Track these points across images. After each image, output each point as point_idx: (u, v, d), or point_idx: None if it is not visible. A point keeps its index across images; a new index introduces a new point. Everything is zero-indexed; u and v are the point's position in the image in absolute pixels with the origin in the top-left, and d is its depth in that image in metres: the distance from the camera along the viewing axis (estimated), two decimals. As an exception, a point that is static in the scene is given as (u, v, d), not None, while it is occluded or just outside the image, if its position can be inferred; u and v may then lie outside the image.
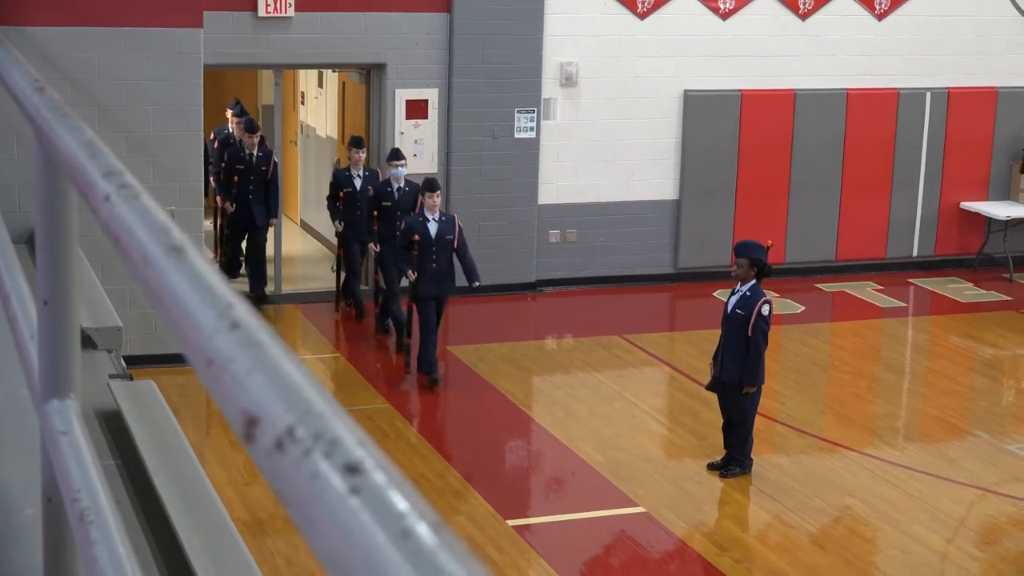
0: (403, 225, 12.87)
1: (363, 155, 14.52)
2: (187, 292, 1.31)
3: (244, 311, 1.22)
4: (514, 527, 9.80)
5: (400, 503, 0.87)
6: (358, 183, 14.38)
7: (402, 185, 13.91)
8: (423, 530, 0.84)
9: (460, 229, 12.75)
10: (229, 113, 16.56)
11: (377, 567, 0.82)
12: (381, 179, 14.28)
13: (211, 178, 15.95)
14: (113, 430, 5.65)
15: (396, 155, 14.07)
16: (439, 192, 12.72)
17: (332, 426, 0.96)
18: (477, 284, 12.85)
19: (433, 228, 12.64)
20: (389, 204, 13.87)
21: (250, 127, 15.41)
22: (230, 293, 1.27)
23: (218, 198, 15.84)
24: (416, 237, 12.58)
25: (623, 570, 9.54)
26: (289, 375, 1.06)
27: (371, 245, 14.04)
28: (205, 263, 1.38)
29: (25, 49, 11.17)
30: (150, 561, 4.41)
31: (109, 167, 1.85)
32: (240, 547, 4.41)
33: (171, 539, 4.48)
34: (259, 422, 1.00)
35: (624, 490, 10.46)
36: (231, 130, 16.38)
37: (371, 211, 13.95)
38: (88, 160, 1.92)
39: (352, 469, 0.90)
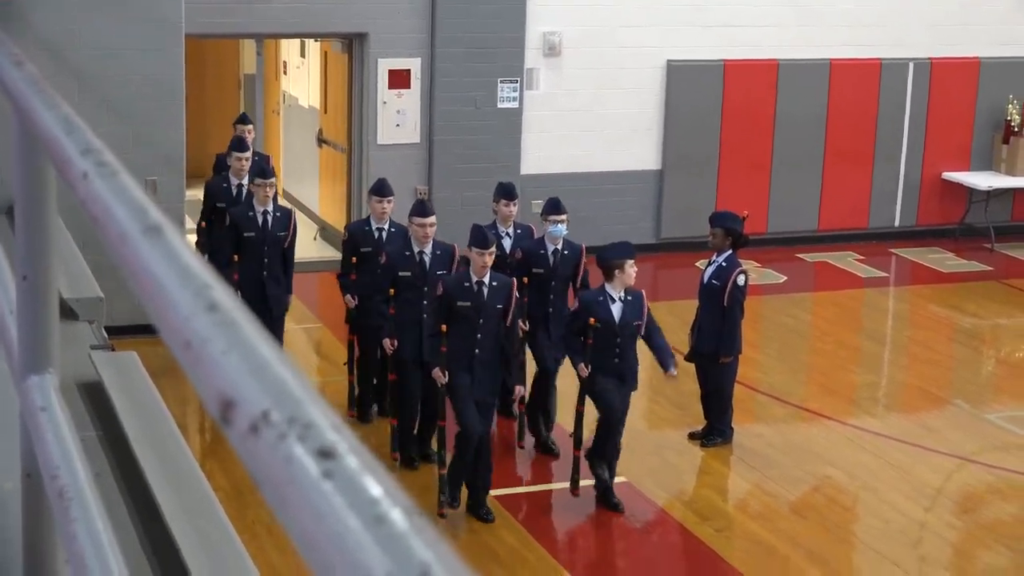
0: (577, 303, 9.90)
1: (515, 209, 11.12)
2: (164, 272, 1.31)
3: (221, 292, 1.22)
4: (496, 497, 9.83)
5: (373, 488, 0.88)
6: (508, 244, 10.91)
7: (560, 247, 10.69)
8: (396, 515, 0.85)
9: (648, 310, 9.82)
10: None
11: (349, 551, 0.83)
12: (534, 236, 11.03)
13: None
14: (95, 401, 5.65)
15: (555, 207, 10.71)
16: (634, 263, 9.67)
17: (307, 410, 0.97)
18: (673, 373, 10.00)
19: (617, 311, 9.57)
20: (542, 272, 10.60)
21: (261, 171, 11.22)
22: (207, 274, 1.27)
23: None
24: (593, 321, 9.57)
25: (604, 540, 9.59)
26: (265, 358, 1.06)
27: (520, 322, 10.10)
28: (183, 242, 1.38)
29: (4, 17, 11.12)
30: (131, 532, 4.42)
31: (87, 144, 1.85)
32: (221, 517, 4.42)
33: (152, 510, 4.49)
34: (235, 405, 1.01)
35: (606, 460, 10.49)
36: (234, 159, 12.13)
37: (519, 278, 10.27)
38: (66, 137, 1.92)
39: (326, 453, 0.91)
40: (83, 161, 1.79)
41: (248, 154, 11.97)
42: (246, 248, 10.85)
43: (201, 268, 1.29)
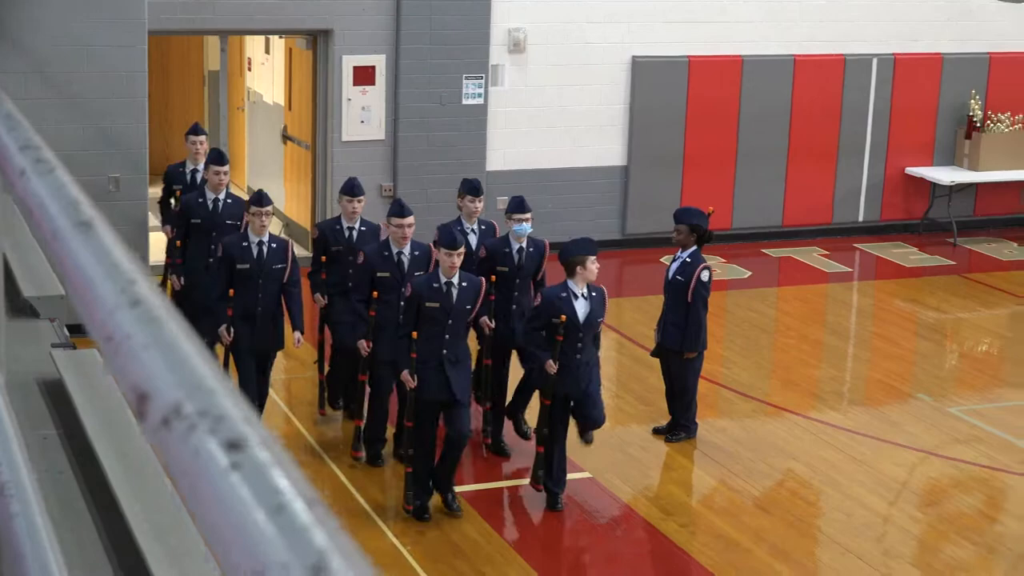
0: (540, 299, 9.66)
1: (480, 205, 10.89)
2: (92, 267, 1.32)
3: (146, 288, 1.23)
4: (461, 493, 9.84)
5: (279, 480, 0.89)
6: (473, 240, 10.78)
7: (524, 245, 10.60)
8: (298, 506, 0.86)
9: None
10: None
11: (251, 541, 0.84)
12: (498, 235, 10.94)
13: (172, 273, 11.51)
14: (55, 399, 5.64)
15: (519, 206, 10.56)
16: (595, 259, 9.59)
17: (219, 403, 0.98)
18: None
19: (582, 308, 9.47)
20: (507, 270, 10.54)
21: (257, 199, 10.21)
22: (134, 269, 1.28)
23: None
24: (564, 318, 9.43)
25: (569, 535, 9.61)
26: (184, 353, 1.07)
27: (484, 319, 10.24)
28: (112, 238, 1.39)
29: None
30: (91, 529, 4.41)
31: (26, 141, 1.85)
32: (180, 513, 4.42)
33: (112, 507, 4.49)
34: (149, 398, 1.02)
35: (570, 455, 10.50)
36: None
37: (484, 277, 9.96)
38: (6, 133, 1.92)
39: (234, 445, 0.92)
40: (21, 157, 1.79)
41: (227, 167, 11.28)
42: (239, 280, 9.98)
43: (129, 264, 1.29)
